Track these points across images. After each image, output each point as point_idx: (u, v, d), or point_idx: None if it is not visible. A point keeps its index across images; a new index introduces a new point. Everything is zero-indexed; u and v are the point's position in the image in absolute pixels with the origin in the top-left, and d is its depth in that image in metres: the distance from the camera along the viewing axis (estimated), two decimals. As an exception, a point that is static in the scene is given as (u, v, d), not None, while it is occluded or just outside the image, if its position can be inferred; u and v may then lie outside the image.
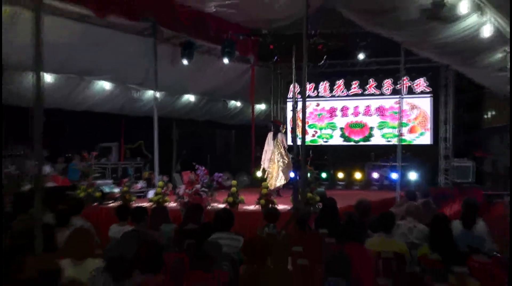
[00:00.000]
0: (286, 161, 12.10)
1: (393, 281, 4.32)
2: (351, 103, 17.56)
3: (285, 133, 12.92)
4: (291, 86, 14.73)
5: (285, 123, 16.08)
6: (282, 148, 12.29)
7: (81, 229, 5.59)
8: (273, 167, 12.30)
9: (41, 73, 4.88)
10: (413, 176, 15.17)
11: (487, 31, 8.13)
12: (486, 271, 4.63)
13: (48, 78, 12.18)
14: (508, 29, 8.02)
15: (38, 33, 4.83)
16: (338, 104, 17.72)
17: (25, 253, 4.78)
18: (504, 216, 9.04)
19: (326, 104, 17.86)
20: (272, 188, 11.95)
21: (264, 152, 12.88)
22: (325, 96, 17.85)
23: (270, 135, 12.83)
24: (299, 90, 12.06)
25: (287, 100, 17.99)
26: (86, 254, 4.74)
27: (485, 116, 17.96)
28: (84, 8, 10.66)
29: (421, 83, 16.51)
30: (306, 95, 10.09)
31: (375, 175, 16.23)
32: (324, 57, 13.23)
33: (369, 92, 17.26)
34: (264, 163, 12.74)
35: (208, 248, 4.60)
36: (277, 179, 12.14)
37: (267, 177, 12.33)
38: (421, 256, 5.35)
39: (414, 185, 13.57)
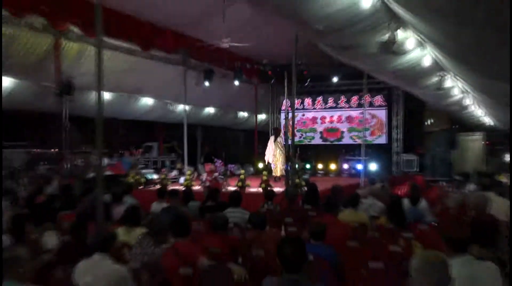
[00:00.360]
0: (284, 156, 12.17)
1: (358, 243, 4.31)
2: (327, 114, 17.54)
3: (280, 136, 12.95)
4: (284, 101, 14.74)
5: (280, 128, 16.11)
6: (282, 147, 12.35)
7: (132, 205, 5.60)
8: (276, 160, 12.40)
9: (101, 92, 4.87)
10: (373, 167, 15.11)
11: (427, 61, 8.09)
12: (426, 236, 4.61)
13: (106, 95, 12.17)
14: (443, 60, 7.98)
15: (99, 63, 4.83)
16: (318, 114, 17.70)
17: (89, 223, 4.79)
18: (439, 196, 9.02)
19: (309, 114, 17.82)
20: (278, 174, 12.14)
21: (267, 150, 12.97)
22: (309, 109, 17.81)
23: (271, 138, 12.94)
24: (289, 104, 12.05)
25: (281, 111, 17.97)
26: (135, 223, 4.73)
27: (426, 123, 17.94)
28: (133, 44, 10.71)
29: (378, 99, 16.50)
30: (295, 108, 10.07)
31: (345, 166, 16.19)
32: (308, 80, 13.23)
33: (340, 106, 17.26)
34: (268, 158, 12.84)
35: (220, 219, 4.59)
36: (281, 169, 12.19)
37: (271, 169, 12.46)
38: (379, 225, 5.34)
39: (374, 174, 13.53)
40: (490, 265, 2.68)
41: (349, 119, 17.07)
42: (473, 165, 16.00)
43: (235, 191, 7.19)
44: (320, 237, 4.08)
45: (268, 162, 12.86)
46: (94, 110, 4.91)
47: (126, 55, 11.60)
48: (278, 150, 12.39)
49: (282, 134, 12.78)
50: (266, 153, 12.98)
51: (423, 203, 6.24)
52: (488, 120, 16.95)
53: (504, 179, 10.31)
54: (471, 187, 8.80)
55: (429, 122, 17.96)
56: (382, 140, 16.50)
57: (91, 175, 10.47)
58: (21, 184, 9.12)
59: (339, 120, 17.29)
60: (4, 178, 10.24)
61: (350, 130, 17.00)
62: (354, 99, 16.89)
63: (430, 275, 2.22)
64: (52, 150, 13.51)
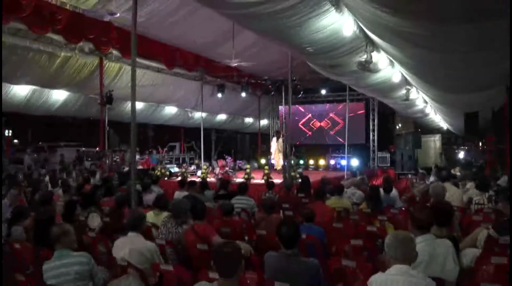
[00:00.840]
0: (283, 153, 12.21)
1: (342, 224, 4.30)
2: (317, 119, 17.38)
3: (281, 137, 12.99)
4: (282, 109, 14.72)
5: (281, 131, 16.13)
6: (282, 146, 12.38)
7: (162, 194, 5.59)
8: (277, 156, 12.44)
9: (135, 102, 4.88)
10: (354, 162, 15.01)
11: (396, 77, 8.07)
12: (397, 218, 4.60)
13: (139, 105, 12.24)
14: (408, 77, 7.94)
15: (134, 79, 4.85)
16: (309, 120, 17.56)
17: (125, 207, 4.80)
18: (407, 186, 8.98)
19: (303, 120, 17.71)
20: (279, 168, 12.10)
21: (271, 147, 13.09)
22: (302, 115, 17.73)
23: (274, 139, 13.09)
24: (286, 111, 12.06)
25: (279, 117, 17.95)
26: (163, 208, 4.71)
27: (396, 127, 17.91)
28: (160, 63, 10.74)
29: (359, 107, 16.43)
30: (290, 114, 10.06)
31: (332, 161, 16.05)
32: (301, 92, 13.24)
33: (327, 113, 17.13)
34: (272, 154, 12.94)
35: (227, 206, 4.59)
36: (281, 163, 12.23)
37: (272, 164, 12.50)
38: (360, 210, 5.32)
39: (355, 168, 13.47)
40: (446, 242, 2.72)
41: (335, 123, 17.00)
42: (433, 161, 15.99)
43: (242, 182, 7.18)
44: (311, 219, 4.07)
45: (270, 158, 12.95)
46: (129, 116, 4.92)
47: (155, 72, 11.66)
48: (279, 148, 12.50)
49: (281, 135, 12.84)
50: (271, 151, 13.14)
51: (394, 192, 6.20)
52: (444, 125, 16.99)
53: (457, 172, 10.28)
54: (431, 178, 8.76)
55: (398, 126, 17.94)
56: (361, 140, 16.42)
57: (126, 169, 10.51)
58: (71, 176, 9.17)
59: (327, 124, 17.22)
60: (58, 172, 10.31)
61: (336, 132, 16.92)
62: (339, 107, 16.83)
63: (399, 250, 2.24)
64: (96, 149, 13.58)
